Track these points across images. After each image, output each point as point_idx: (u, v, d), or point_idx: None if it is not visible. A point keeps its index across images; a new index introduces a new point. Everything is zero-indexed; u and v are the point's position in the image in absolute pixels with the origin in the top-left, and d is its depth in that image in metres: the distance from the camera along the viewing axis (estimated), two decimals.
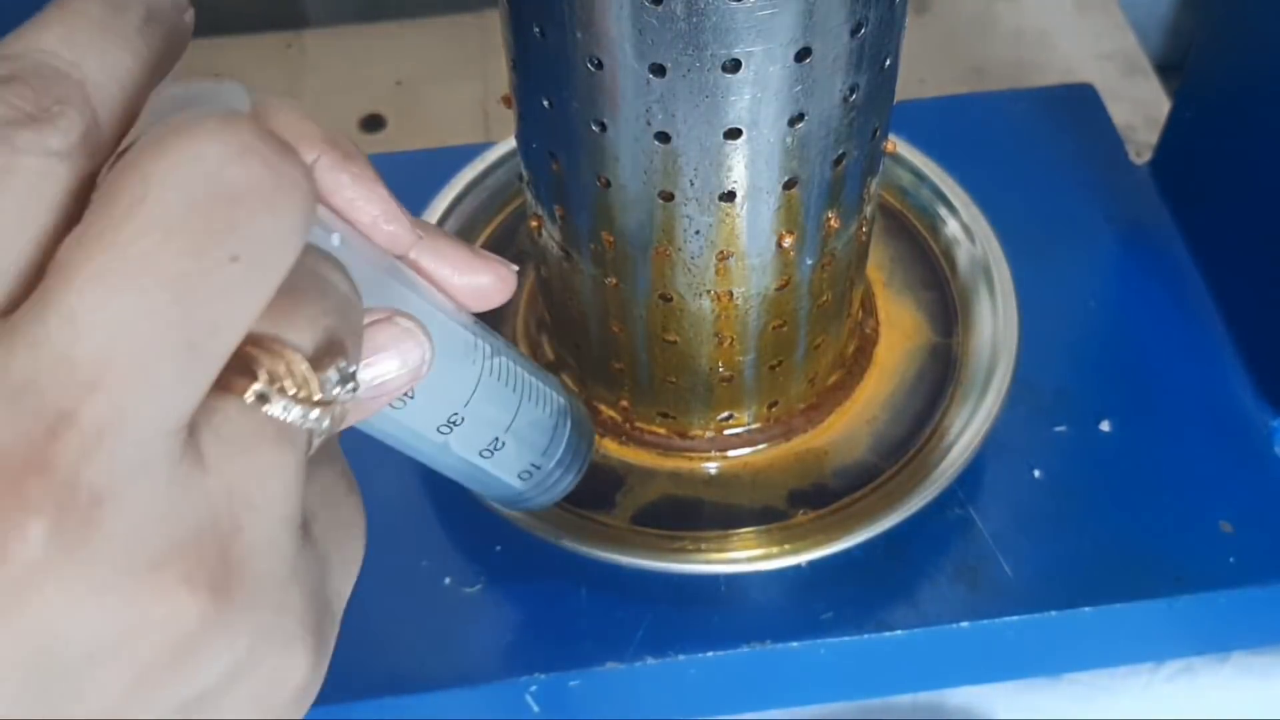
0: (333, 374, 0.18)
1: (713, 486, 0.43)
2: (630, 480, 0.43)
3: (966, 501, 0.44)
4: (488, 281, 0.26)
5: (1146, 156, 0.56)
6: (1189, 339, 0.49)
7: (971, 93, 0.68)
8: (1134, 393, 0.47)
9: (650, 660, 0.41)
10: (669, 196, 0.34)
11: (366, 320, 0.20)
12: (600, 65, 0.31)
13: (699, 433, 0.44)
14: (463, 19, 0.76)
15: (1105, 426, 0.46)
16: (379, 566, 0.42)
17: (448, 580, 0.43)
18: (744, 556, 0.40)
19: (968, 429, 0.43)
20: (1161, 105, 0.68)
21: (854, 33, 0.31)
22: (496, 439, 0.32)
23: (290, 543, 0.17)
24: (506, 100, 0.38)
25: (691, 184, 0.34)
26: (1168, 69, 0.75)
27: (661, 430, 0.44)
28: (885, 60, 0.33)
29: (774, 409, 0.44)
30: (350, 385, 0.18)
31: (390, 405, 0.25)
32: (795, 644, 0.41)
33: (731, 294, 0.37)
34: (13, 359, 0.15)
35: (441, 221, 0.48)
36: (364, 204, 0.22)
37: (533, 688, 0.41)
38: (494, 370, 0.30)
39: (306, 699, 0.18)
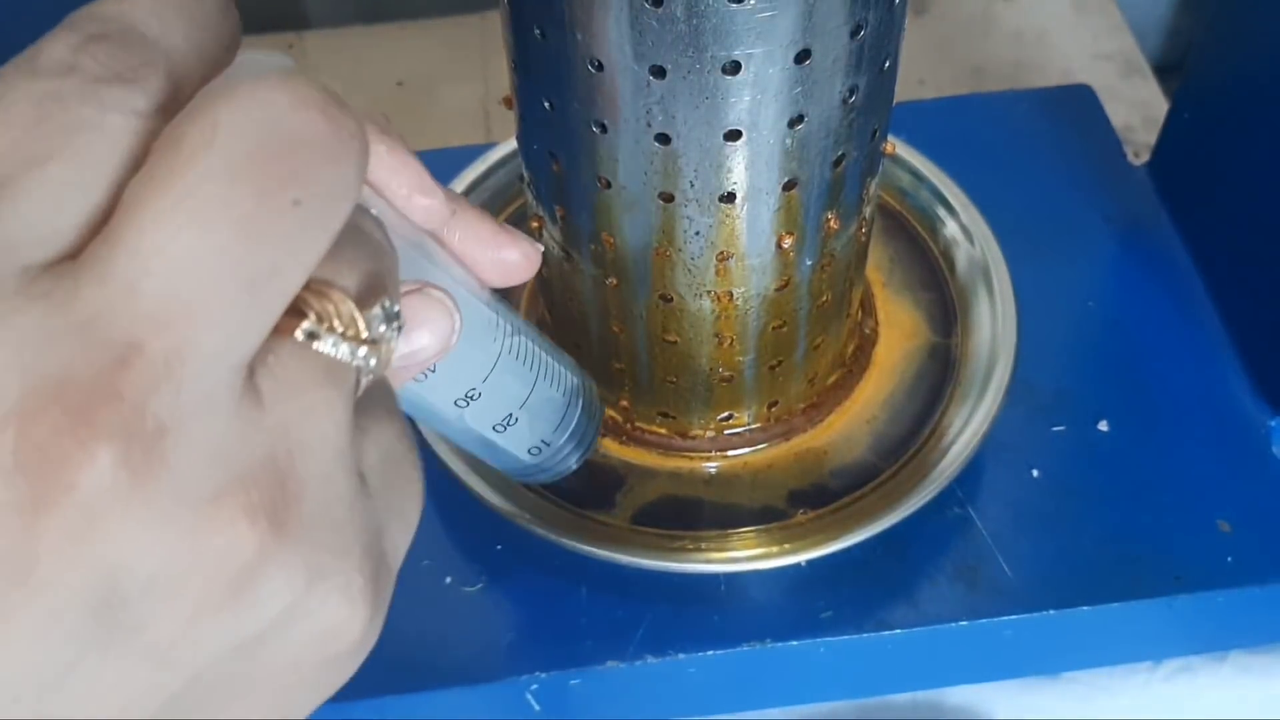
0: (378, 312, 0.18)
1: (713, 486, 0.43)
2: (630, 480, 0.43)
3: (965, 501, 0.44)
4: (515, 257, 0.27)
5: (1145, 157, 0.56)
6: (1187, 339, 0.49)
7: (970, 94, 0.68)
8: (1132, 393, 0.47)
9: (650, 659, 0.41)
10: (669, 198, 0.34)
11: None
12: (600, 67, 0.31)
13: (699, 432, 0.44)
14: (464, 20, 0.76)
15: (1104, 426, 0.46)
16: None
17: (448, 579, 0.43)
18: (744, 556, 0.41)
19: (967, 429, 0.43)
20: (1160, 106, 0.68)
21: (853, 34, 0.31)
22: (511, 415, 0.32)
23: (346, 484, 0.18)
24: (507, 101, 0.38)
25: (691, 185, 0.34)
26: (1166, 70, 0.75)
27: (661, 430, 0.44)
28: (884, 62, 0.34)
29: (774, 409, 0.44)
30: (395, 324, 0.18)
31: (413, 378, 0.25)
32: (795, 643, 0.41)
33: (731, 294, 0.38)
34: (82, 293, 0.15)
35: None
36: (402, 174, 0.23)
37: (533, 687, 0.41)
38: (513, 349, 0.30)
39: (360, 653, 0.19)
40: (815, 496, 0.43)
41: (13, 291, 0.15)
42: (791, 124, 0.32)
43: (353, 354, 0.17)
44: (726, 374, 0.41)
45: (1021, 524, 0.44)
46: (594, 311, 0.41)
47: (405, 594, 0.42)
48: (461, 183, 0.50)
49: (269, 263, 0.16)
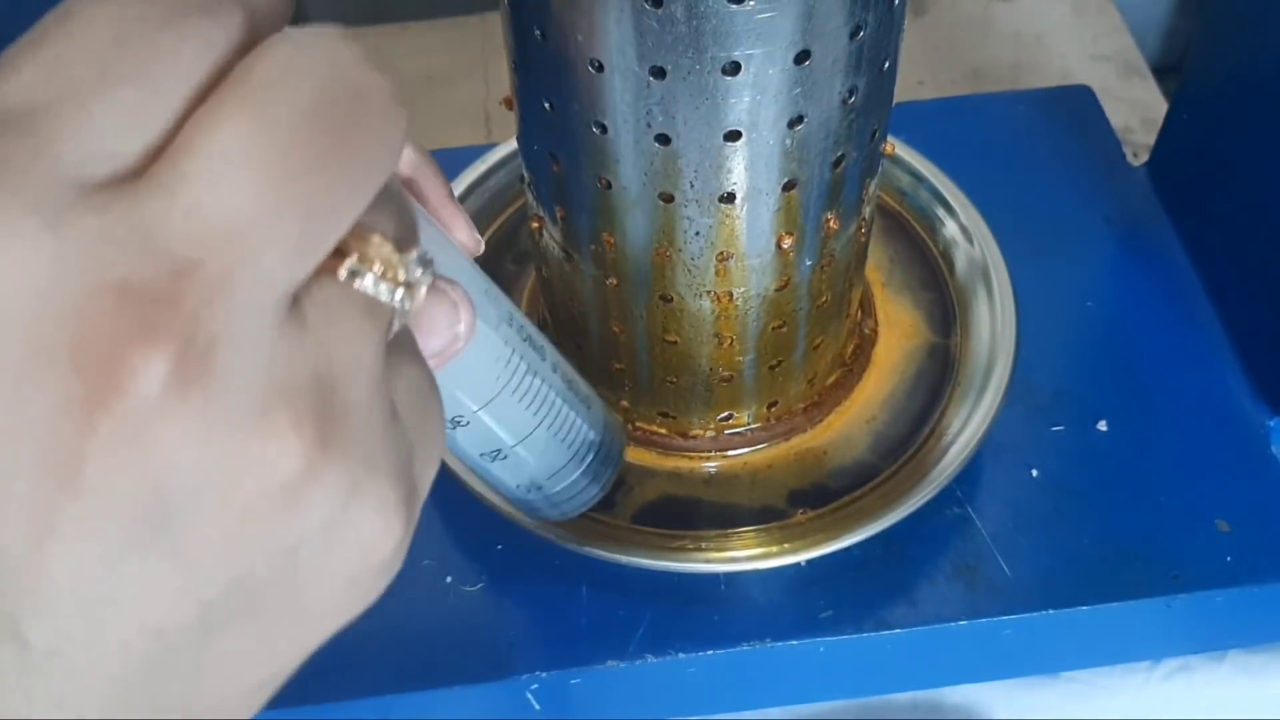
0: (414, 257, 0.19)
1: (712, 486, 0.44)
2: (630, 480, 0.43)
3: (965, 501, 0.44)
4: (461, 238, 0.29)
5: (1144, 158, 0.56)
6: (1186, 339, 0.49)
7: (969, 94, 0.69)
8: (1131, 393, 0.47)
9: (651, 659, 0.41)
10: (669, 198, 0.34)
11: None
12: (601, 68, 0.31)
13: (699, 432, 0.44)
14: (464, 21, 0.76)
15: (1103, 426, 0.46)
16: None
17: (449, 579, 0.43)
18: (744, 555, 0.41)
19: (966, 429, 0.43)
20: (1159, 107, 0.68)
21: (853, 35, 0.31)
22: (500, 450, 0.32)
23: (381, 409, 0.18)
24: (508, 102, 0.38)
25: (691, 185, 0.34)
26: (1165, 71, 0.75)
27: (662, 430, 0.44)
28: (884, 62, 0.34)
29: (773, 409, 0.44)
30: (429, 269, 0.19)
31: None
32: (795, 642, 0.41)
33: (731, 295, 0.38)
34: (145, 206, 0.15)
35: None
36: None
37: (534, 686, 0.41)
38: (519, 389, 0.30)
39: (389, 572, 0.19)
40: (815, 496, 0.43)
41: (74, 200, 0.15)
42: (791, 124, 0.32)
43: (390, 294, 0.18)
44: (726, 374, 0.41)
45: (1020, 524, 0.44)
46: (594, 312, 0.41)
47: (405, 594, 0.43)
48: (462, 183, 0.50)
49: (326, 201, 0.16)
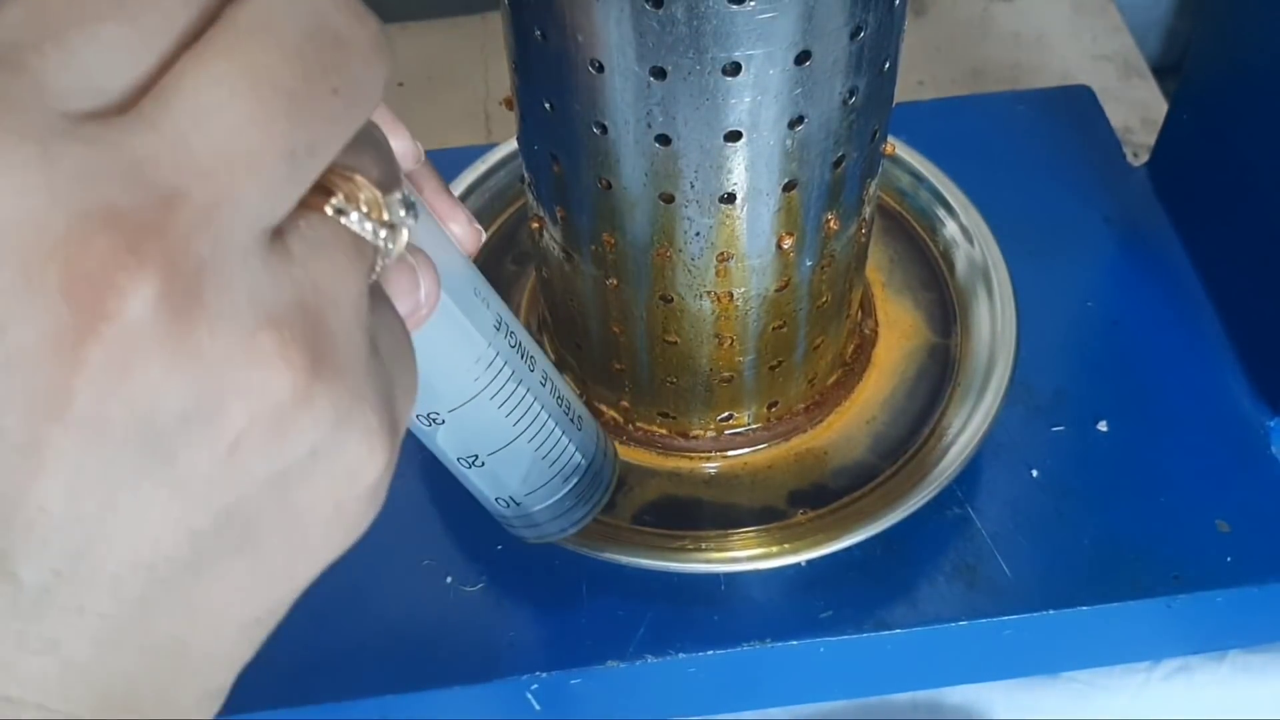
0: (398, 197, 0.20)
1: (713, 486, 0.44)
2: (630, 480, 0.43)
3: (965, 501, 0.44)
4: (458, 231, 0.30)
5: (1144, 158, 0.56)
6: (1186, 340, 0.49)
7: (969, 95, 0.69)
8: (1131, 393, 0.47)
9: (651, 659, 0.41)
10: (669, 198, 0.34)
11: None
12: (601, 68, 0.31)
13: (699, 433, 0.44)
14: (464, 20, 0.76)
15: (1103, 426, 0.46)
16: (380, 565, 0.43)
17: (449, 579, 0.43)
18: (744, 555, 0.41)
19: (966, 429, 0.43)
20: (1159, 107, 0.68)
21: (853, 36, 0.31)
22: (476, 456, 0.32)
23: (364, 340, 0.19)
24: (508, 102, 0.38)
25: (692, 186, 0.34)
26: (1165, 71, 0.75)
27: (662, 430, 0.44)
28: (884, 63, 0.34)
29: (774, 409, 0.44)
30: (412, 211, 0.20)
31: None
32: (795, 642, 0.41)
33: (731, 295, 0.38)
34: (132, 138, 0.16)
35: None
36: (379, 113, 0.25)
37: (534, 686, 0.41)
38: (499, 395, 0.30)
39: (376, 500, 0.20)
40: (815, 496, 0.43)
41: (61, 132, 0.16)
42: (791, 125, 0.32)
43: (375, 233, 0.19)
44: (726, 374, 0.41)
45: (1020, 524, 0.44)
46: (594, 312, 0.41)
47: (407, 593, 0.43)
48: (462, 183, 0.50)
49: (307, 138, 0.17)
